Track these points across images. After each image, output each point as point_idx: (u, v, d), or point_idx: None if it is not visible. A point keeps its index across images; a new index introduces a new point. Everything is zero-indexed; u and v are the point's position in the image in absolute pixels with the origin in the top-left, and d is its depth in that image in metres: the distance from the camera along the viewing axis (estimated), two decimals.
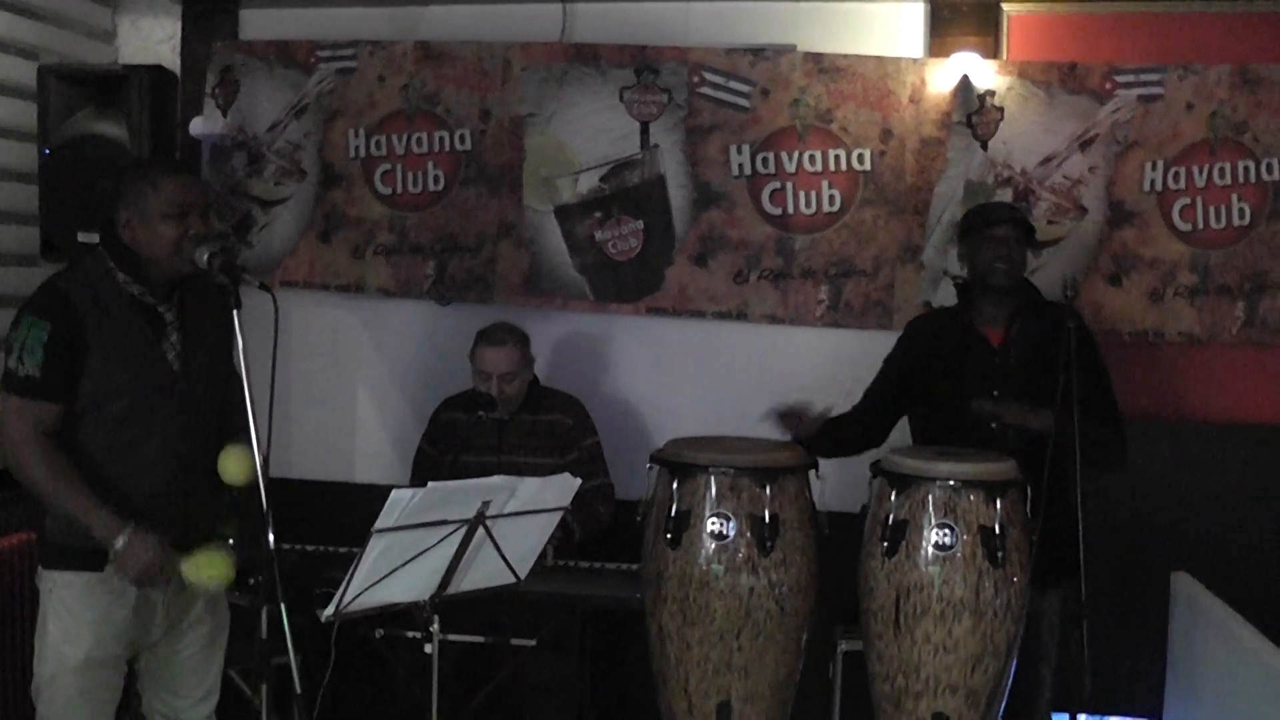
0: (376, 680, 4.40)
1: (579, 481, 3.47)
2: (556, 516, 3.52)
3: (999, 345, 4.14)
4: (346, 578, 3.19)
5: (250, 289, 3.23)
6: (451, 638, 3.47)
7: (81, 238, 4.56)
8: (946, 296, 4.70)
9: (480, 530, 3.29)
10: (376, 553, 3.14)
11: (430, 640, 3.43)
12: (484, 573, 3.44)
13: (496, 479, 3.27)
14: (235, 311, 3.12)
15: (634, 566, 4.16)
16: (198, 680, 3.57)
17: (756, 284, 4.93)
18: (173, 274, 3.33)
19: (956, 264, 4.70)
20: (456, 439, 4.54)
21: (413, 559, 3.21)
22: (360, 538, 4.37)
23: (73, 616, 3.29)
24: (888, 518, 3.72)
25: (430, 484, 3.11)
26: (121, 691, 3.47)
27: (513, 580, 3.53)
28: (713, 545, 3.79)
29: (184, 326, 3.38)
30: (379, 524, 3.10)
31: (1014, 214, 4.18)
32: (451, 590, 3.41)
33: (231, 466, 3.33)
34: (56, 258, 4.67)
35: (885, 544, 3.71)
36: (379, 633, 4.12)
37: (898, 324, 4.72)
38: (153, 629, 3.44)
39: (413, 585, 3.32)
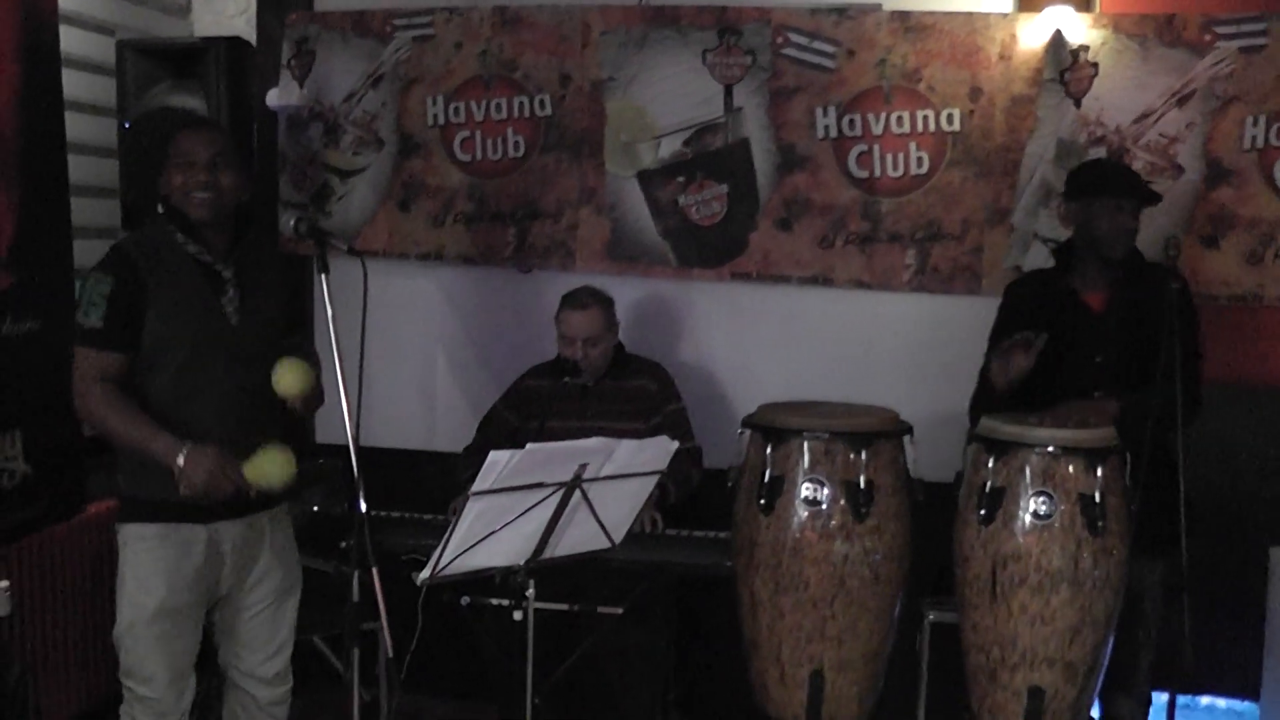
0: (462, 648, 4.39)
1: (676, 444, 3.44)
2: (653, 480, 3.47)
3: (1101, 312, 4.02)
4: (442, 542, 3.16)
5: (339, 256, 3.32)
6: (538, 605, 3.44)
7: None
8: (1036, 259, 4.59)
9: (576, 494, 3.25)
10: (472, 516, 3.11)
11: (520, 607, 3.41)
12: (579, 537, 3.41)
13: (594, 441, 3.23)
14: (324, 276, 3.28)
15: (722, 534, 4.12)
16: (268, 635, 3.67)
17: (842, 248, 4.84)
18: (217, 227, 3.49)
19: (1047, 226, 4.58)
20: (539, 406, 4.49)
21: (509, 523, 3.18)
22: (440, 505, 4.40)
23: (146, 567, 3.43)
24: (984, 485, 3.65)
25: (529, 445, 3.07)
26: (200, 644, 3.58)
27: (607, 545, 3.49)
28: (806, 512, 3.74)
29: (241, 284, 3.52)
30: (476, 486, 3.07)
31: (1144, 189, 4.02)
32: (546, 555, 3.38)
33: (286, 378, 3.43)
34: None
35: (982, 512, 3.64)
36: (465, 600, 4.10)
37: (986, 288, 4.63)
38: (222, 579, 3.55)
39: (508, 550, 3.29)
